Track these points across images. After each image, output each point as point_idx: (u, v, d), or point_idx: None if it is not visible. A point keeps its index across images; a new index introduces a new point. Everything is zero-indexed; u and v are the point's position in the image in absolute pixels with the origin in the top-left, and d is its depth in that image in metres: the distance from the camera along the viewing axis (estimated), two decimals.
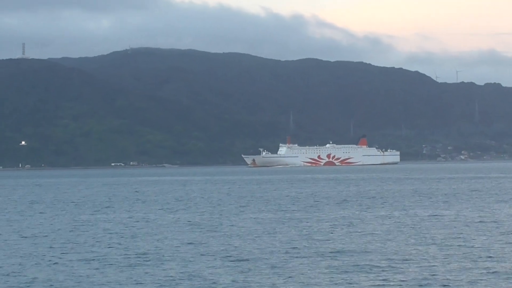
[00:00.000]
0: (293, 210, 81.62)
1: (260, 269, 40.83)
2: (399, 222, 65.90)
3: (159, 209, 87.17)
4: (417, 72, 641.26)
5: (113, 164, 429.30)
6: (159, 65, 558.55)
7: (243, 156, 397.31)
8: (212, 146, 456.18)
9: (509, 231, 57.11)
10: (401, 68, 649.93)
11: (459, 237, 53.42)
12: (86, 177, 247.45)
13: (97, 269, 41.91)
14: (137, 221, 71.24)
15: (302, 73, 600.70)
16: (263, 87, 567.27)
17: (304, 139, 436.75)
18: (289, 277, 38.43)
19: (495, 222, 65.05)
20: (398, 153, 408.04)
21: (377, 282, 36.88)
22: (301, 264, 42.28)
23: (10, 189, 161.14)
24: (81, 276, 39.93)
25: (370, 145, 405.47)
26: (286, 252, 46.82)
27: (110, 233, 60.26)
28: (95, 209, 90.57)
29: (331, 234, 56.55)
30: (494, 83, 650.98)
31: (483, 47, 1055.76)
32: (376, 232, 57.31)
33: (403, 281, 37.11)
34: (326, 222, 66.87)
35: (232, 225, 65.19)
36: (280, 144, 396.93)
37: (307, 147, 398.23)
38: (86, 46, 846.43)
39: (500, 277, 37.94)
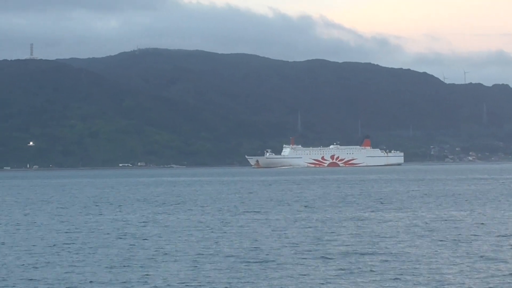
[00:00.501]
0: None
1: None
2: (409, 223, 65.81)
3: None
4: (425, 73, 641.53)
5: (120, 164, 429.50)
6: (166, 66, 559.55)
7: (246, 157, 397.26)
8: (220, 147, 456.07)
9: None
10: (409, 69, 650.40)
11: (470, 239, 53.26)
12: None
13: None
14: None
15: (310, 74, 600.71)
16: (270, 87, 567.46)
17: (311, 140, 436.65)
18: (299, 276, 38.40)
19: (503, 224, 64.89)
20: (402, 154, 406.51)
21: (387, 284, 36.79)
22: (309, 265, 42.22)
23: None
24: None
25: (377, 145, 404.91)
26: (295, 253, 46.83)
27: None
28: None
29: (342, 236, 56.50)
30: (502, 84, 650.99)
31: (491, 48, 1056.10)
32: (384, 233, 57.21)
33: (413, 283, 37.00)
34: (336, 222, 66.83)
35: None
36: (284, 145, 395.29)
37: (311, 148, 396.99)
38: (94, 47, 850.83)
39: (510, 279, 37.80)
